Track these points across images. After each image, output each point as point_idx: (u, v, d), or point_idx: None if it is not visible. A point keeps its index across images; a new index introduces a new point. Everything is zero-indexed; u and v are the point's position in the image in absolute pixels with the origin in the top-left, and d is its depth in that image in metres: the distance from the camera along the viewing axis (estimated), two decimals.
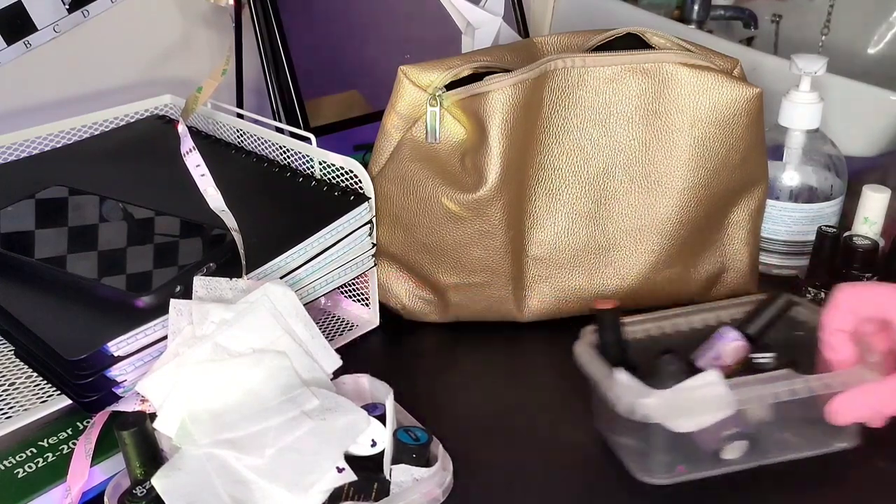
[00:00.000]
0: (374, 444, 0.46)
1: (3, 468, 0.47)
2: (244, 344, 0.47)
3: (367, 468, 0.45)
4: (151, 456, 0.45)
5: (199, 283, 0.50)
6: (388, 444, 0.46)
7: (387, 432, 0.46)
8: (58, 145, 0.72)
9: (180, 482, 0.42)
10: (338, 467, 0.44)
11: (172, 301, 0.48)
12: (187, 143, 0.63)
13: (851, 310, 0.50)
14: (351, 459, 0.45)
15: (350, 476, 0.44)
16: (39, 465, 0.47)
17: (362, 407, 0.48)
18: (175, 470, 0.43)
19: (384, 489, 0.45)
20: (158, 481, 0.42)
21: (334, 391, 0.49)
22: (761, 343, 0.54)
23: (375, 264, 0.64)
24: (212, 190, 0.60)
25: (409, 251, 0.64)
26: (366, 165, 0.63)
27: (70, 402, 0.50)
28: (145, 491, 0.44)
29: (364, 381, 0.51)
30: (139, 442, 0.45)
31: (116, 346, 0.48)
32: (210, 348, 0.46)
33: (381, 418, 0.47)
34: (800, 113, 0.71)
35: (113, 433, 0.49)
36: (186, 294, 0.51)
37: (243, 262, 0.54)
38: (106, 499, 0.45)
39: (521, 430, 0.56)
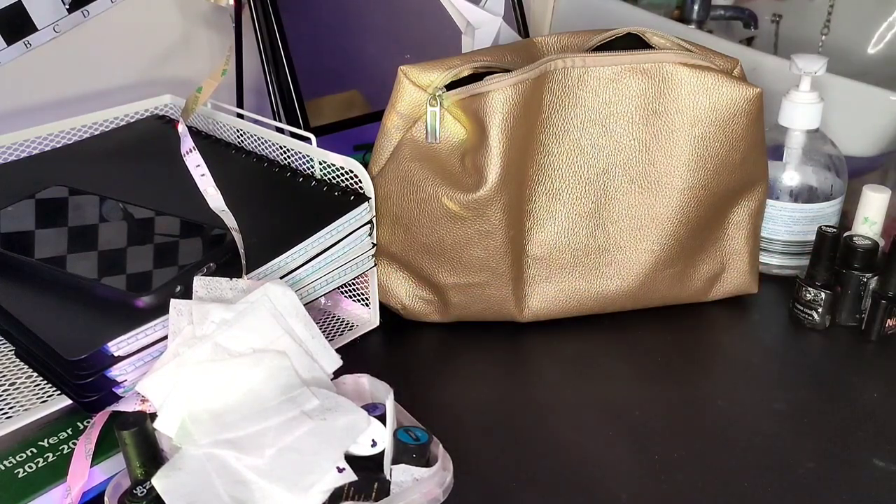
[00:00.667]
0: (374, 444, 0.46)
1: (3, 468, 0.47)
2: (244, 344, 0.47)
3: (368, 468, 0.45)
4: (151, 456, 0.45)
5: (199, 283, 0.50)
6: (389, 444, 0.46)
7: (387, 432, 0.46)
8: (58, 145, 0.72)
9: (180, 482, 0.42)
10: (338, 467, 0.44)
11: (172, 301, 0.48)
12: (187, 143, 0.63)
13: None
14: (351, 459, 0.45)
15: (350, 476, 0.44)
16: (39, 465, 0.47)
17: (362, 407, 0.48)
18: (175, 470, 0.43)
19: (384, 489, 0.45)
20: (158, 481, 0.42)
21: (334, 391, 0.49)
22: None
23: (375, 264, 0.64)
24: (212, 190, 0.60)
25: (409, 251, 0.64)
26: (366, 165, 0.63)
27: (70, 402, 0.50)
28: (145, 491, 0.44)
29: (364, 381, 0.51)
30: (139, 442, 0.45)
31: (116, 346, 0.48)
32: (210, 348, 0.46)
33: (382, 418, 0.47)
34: (800, 113, 0.71)
35: (113, 433, 0.49)
36: (186, 294, 0.51)
37: (243, 262, 0.54)
38: (106, 499, 0.44)
39: (521, 430, 0.56)
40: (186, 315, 0.48)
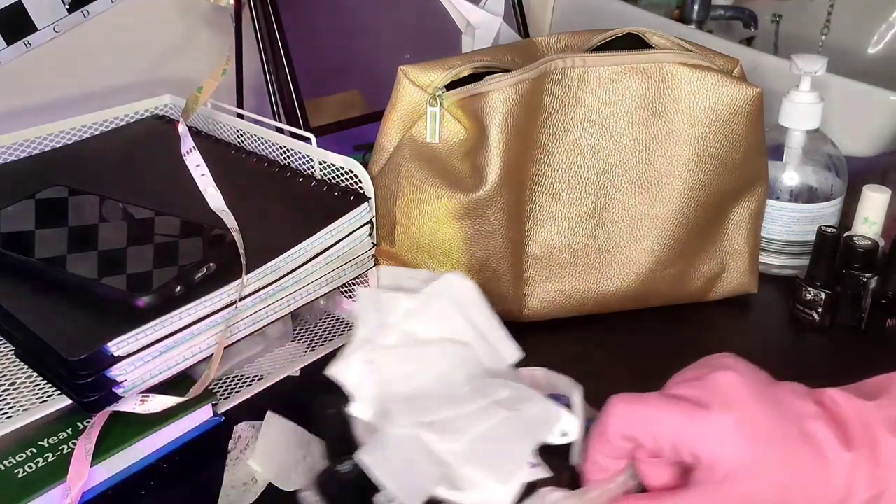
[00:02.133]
0: (564, 435, 0.46)
1: (3, 468, 0.47)
2: (429, 332, 0.48)
3: (555, 455, 0.45)
4: (348, 439, 0.45)
5: (385, 272, 0.50)
6: (580, 435, 0.46)
7: (578, 423, 0.46)
8: (58, 145, 0.72)
9: (386, 458, 0.42)
10: (532, 462, 0.43)
11: (360, 290, 0.49)
12: (187, 143, 0.63)
13: (627, 435, 0.41)
14: (540, 448, 0.45)
15: (545, 471, 0.43)
16: (39, 465, 0.47)
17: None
18: (380, 447, 0.43)
19: (575, 478, 0.45)
20: (366, 456, 0.42)
21: (514, 379, 0.49)
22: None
23: (375, 264, 0.64)
24: (212, 190, 0.60)
25: (409, 251, 0.64)
26: (366, 165, 0.63)
27: (70, 402, 0.50)
28: (349, 468, 0.44)
29: (538, 374, 0.51)
30: (339, 424, 0.45)
31: (116, 346, 0.48)
32: (399, 335, 0.47)
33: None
34: (800, 113, 0.71)
35: (113, 433, 0.49)
36: (186, 294, 0.51)
37: (243, 262, 0.54)
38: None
39: None
40: (373, 303, 0.48)
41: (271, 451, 0.52)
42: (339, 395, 0.46)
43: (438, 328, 0.48)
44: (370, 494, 0.42)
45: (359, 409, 0.45)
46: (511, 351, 0.50)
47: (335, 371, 0.46)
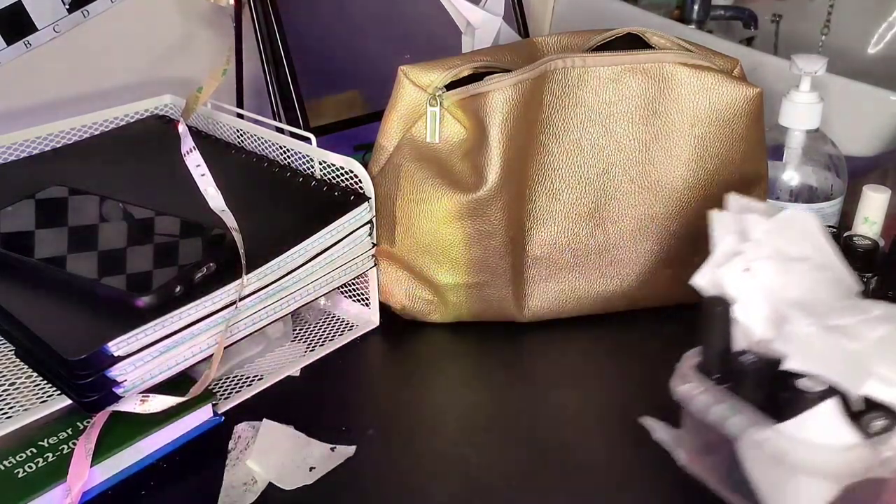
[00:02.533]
0: None
1: (3, 468, 0.47)
2: (792, 251, 0.49)
3: None
4: (728, 340, 0.47)
5: (733, 200, 0.52)
6: None
7: None
8: (58, 145, 0.72)
9: (809, 350, 0.43)
10: None
11: (714, 214, 0.50)
12: (187, 143, 0.63)
13: None
14: None
15: None
16: (39, 465, 0.47)
17: None
18: (795, 342, 0.44)
19: None
20: (786, 346, 0.43)
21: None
22: None
23: (375, 264, 0.64)
24: (212, 190, 0.60)
25: (409, 251, 0.64)
26: (366, 165, 0.63)
27: (70, 402, 0.50)
28: (752, 359, 0.45)
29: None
30: (723, 322, 0.47)
31: (116, 346, 0.48)
32: (772, 250, 0.48)
33: None
34: (800, 113, 0.71)
35: (113, 433, 0.49)
36: (186, 294, 0.51)
37: (243, 262, 0.54)
38: (682, 367, 0.47)
39: (521, 431, 0.56)
40: (729, 224, 0.50)
41: (270, 452, 0.52)
42: (720, 299, 0.48)
43: (797, 249, 0.49)
44: (769, 382, 0.44)
45: (743, 312, 0.47)
46: (852, 282, 0.51)
47: (704, 279, 0.48)
